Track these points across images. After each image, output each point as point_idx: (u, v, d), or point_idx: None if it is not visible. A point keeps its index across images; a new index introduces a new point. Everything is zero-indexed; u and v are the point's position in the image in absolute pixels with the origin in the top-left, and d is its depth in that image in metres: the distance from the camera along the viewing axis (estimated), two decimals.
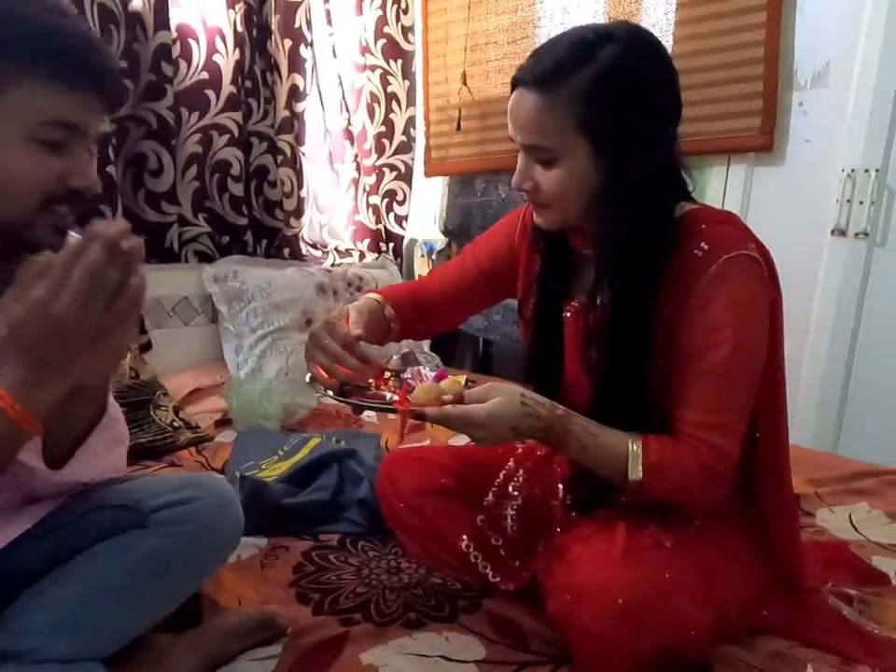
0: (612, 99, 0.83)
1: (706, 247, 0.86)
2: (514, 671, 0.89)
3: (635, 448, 0.87)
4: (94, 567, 0.82)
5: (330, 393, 0.93)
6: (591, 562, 0.85)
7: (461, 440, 1.70)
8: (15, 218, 0.72)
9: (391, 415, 1.18)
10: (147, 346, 1.93)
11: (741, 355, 0.86)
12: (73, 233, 0.90)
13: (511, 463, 1.16)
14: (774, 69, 1.87)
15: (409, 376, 0.96)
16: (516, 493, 1.12)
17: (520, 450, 1.20)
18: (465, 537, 1.08)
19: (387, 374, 0.97)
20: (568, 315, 1.01)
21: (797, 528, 1.00)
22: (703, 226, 0.88)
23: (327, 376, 0.93)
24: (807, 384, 1.93)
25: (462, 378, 0.95)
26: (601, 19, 2.24)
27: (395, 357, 0.99)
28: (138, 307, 0.70)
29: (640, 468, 0.86)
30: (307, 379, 0.97)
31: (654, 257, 0.87)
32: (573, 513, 1.06)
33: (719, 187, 2.05)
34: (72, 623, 0.79)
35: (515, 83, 0.88)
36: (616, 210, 0.87)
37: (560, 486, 1.12)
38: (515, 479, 1.14)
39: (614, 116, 0.84)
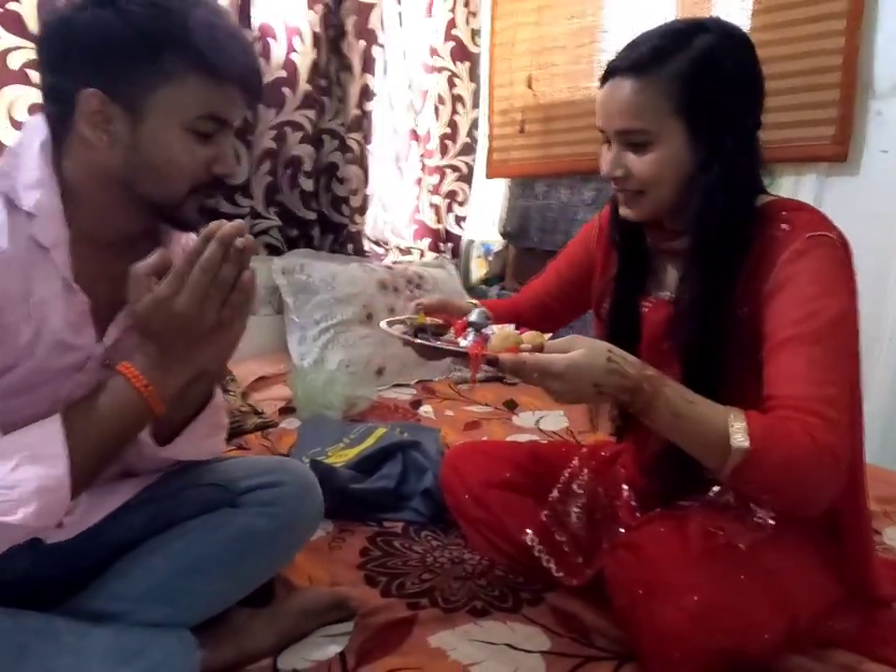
0: (708, 82, 0.85)
1: (787, 228, 0.86)
2: (579, 664, 0.91)
3: (736, 417, 0.78)
4: (188, 540, 0.87)
5: (406, 335, 0.91)
6: (665, 559, 0.86)
7: (522, 436, 1.73)
8: (168, 199, 0.79)
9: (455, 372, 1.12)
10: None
11: (841, 323, 0.82)
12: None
13: (575, 461, 1.18)
14: (851, 77, 1.83)
15: (490, 331, 0.89)
16: (581, 491, 1.14)
17: (584, 449, 1.22)
18: (529, 530, 1.10)
19: (469, 329, 0.91)
20: (647, 309, 1.02)
21: (872, 542, 0.99)
22: (784, 212, 0.88)
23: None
24: (875, 397, 1.89)
25: (547, 336, 0.86)
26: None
27: (476, 310, 0.94)
28: (251, 299, 0.75)
29: (746, 437, 0.76)
30: (383, 324, 0.96)
31: (737, 245, 0.87)
32: (638, 514, 1.08)
33: (787, 195, 2.02)
34: (164, 591, 0.84)
35: (608, 75, 0.90)
36: (708, 195, 0.87)
37: (625, 487, 1.13)
38: (580, 477, 1.15)
39: (710, 98, 0.85)
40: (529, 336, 0.84)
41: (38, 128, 0.78)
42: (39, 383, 0.78)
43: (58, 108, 0.77)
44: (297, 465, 1.01)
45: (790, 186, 2.01)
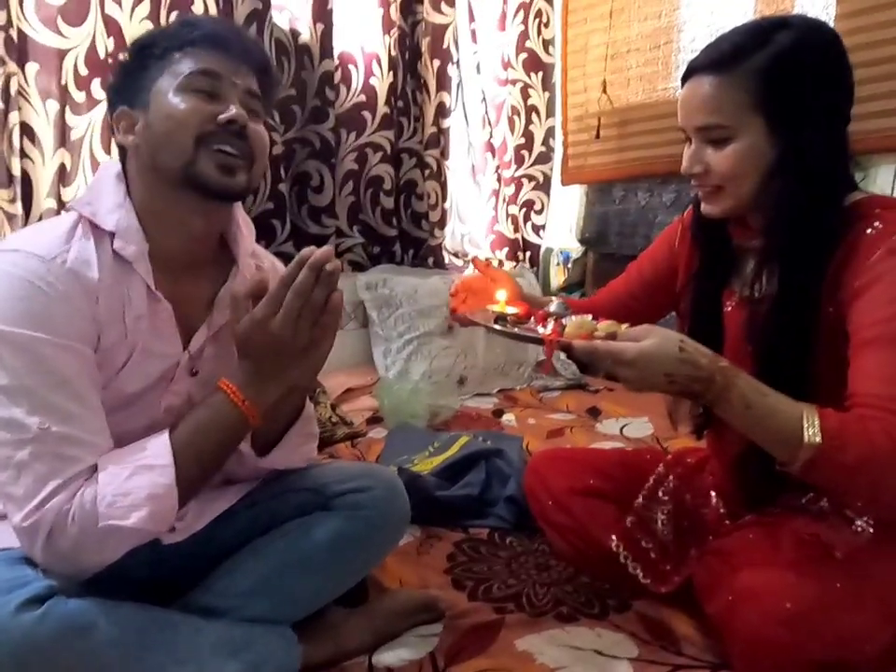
0: (789, 78, 0.85)
1: (879, 226, 0.84)
2: None
3: (811, 412, 0.77)
4: (286, 541, 0.93)
5: (483, 322, 0.93)
6: (757, 566, 0.84)
7: (606, 444, 1.72)
8: (178, 158, 0.83)
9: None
10: None
11: None
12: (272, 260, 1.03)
13: (660, 468, 1.17)
14: None
15: (567, 320, 0.90)
16: (666, 497, 1.13)
17: (670, 456, 1.21)
18: (614, 537, 1.10)
19: (549, 319, 0.92)
20: (729, 309, 1.01)
21: None
22: (877, 210, 0.86)
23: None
24: None
25: (624, 326, 0.86)
26: (750, 18, 2.16)
27: (555, 301, 0.96)
28: (339, 319, 0.81)
29: (819, 431, 0.75)
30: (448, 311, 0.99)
31: (822, 243, 0.85)
32: (727, 521, 1.06)
33: (885, 186, 1.92)
34: (267, 588, 0.90)
35: (689, 74, 0.91)
36: (788, 191, 0.87)
37: (712, 494, 1.11)
38: (665, 484, 1.14)
39: (790, 94, 0.85)
40: (605, 325, 0.85)
41: (111, 166, 0.89)
42: (136, 395, 0.85)
43: (118, 146, 0.89)
44: (384, 470, 1.06)
45: (886, 176, 1.91)
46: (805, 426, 0.76)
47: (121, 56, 0.90)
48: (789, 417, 0.77)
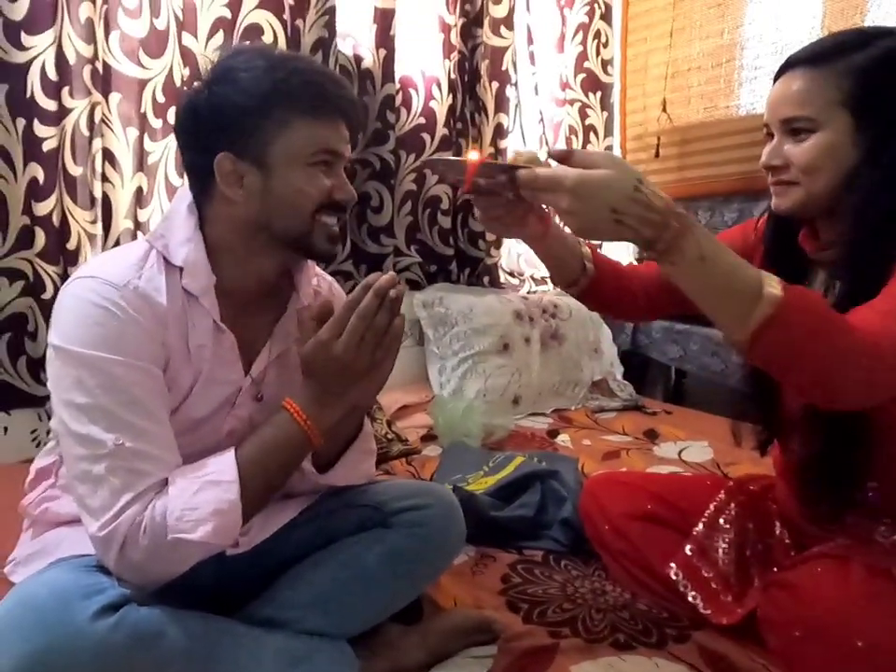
0: (884, 80, 0.84)
1: None
2: None
3: (769, 275, 0.71)
4: (347, 556, 0.95)
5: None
6: (826, 600, 0.82)
7: (664, 468, 1.69)
8: (299, 227, 0.87)
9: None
10: None
11: None
12: (328, 281, 1.06)
13: (721, 495, 1.14)
14: None
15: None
16: (728, 525, 1.10)
17: (731, 483, 1.18)
18: (673, 565, 1.08)
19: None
20: None
21: None
22: None
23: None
24: None
25: None
26: (818, 34, 2.12)
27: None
28: (399, 342, 0.84)
29: (780, 287, 0.69)
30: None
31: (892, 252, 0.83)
32: (792, 553, 1.03)
33: None
34: (325, 602, 0.92)
35: (784, 69, 0.91)
36: (870, 192, 0.85)
37: (777, 524, 1.08)
38: (727, 511, 1.11)
39: (884, 97, 0.84)
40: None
41: (185, 196, 0.91)
42: (202, 420, 0.89)
43: (198, 179, 0.89)
44: (442, 489, 1.07)
45: None
46: (766, 281, 0.70)
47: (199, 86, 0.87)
48: (747, 273, 0.71)
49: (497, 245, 2.47)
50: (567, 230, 0.75)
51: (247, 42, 1.78)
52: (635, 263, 2.71)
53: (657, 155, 2.55)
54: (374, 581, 0.94)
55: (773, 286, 0.69)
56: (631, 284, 1.10)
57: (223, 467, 0.81)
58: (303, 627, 0.91)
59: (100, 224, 1.66)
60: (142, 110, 1.68)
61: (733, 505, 1.12)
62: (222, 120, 0.85)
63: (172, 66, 1.72)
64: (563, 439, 1.96)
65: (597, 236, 0.71)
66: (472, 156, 0.74)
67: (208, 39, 1.77)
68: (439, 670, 0.95)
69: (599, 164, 0.68)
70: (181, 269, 0.86)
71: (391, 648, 0.97)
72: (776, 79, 0.93)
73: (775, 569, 1.01)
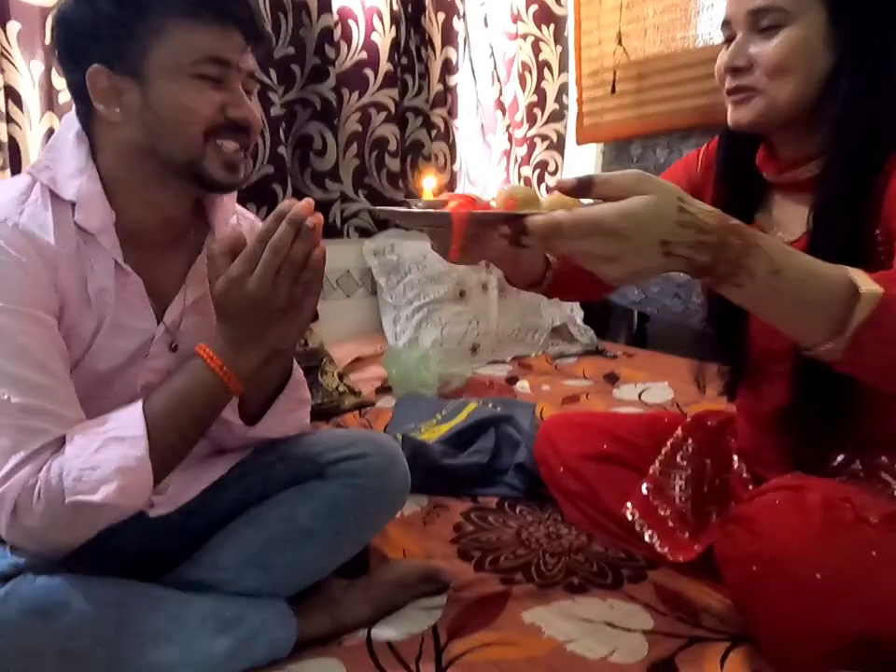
0: None
1: None
2: (685, 645, 0.85)
3: (854, 270, 0.61)
4: (281, 511, 0.89)
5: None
6: (784, 532, 0.77)
7: (624, 409, 1.66)
8: (187, 151, 0.78)
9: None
10: (314, 317, 2.05)
11: None
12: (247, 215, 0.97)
13: (678, 432, 1.10)
14: None
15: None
16: (685, 462, 1.06)
17: (688, 419, 1.14)
18: (629, 504, 1.04)
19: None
20: None
21: None
22: None
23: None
24: None
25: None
26: None
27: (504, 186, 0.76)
28: (321, 277, 0.76)
29: (873, 282, 0.59)
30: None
31: (881, 164, 0.76)
32: (750, 486, 0.99)
33: None
34: (260, 560, 0.86)
35: None
36: (850, 99, 0.77)
37: (735, 458, 1.05)
38: (684, 448, 1.08)
39: None
40: (555, 198, 0.62)
41: (72, 122, 0.81)
42: (111, 373, 0.81)
43: (80, 101, 0.79)
44: (381, 436, 1.01)
45: None
46: (856, 277, 0.59)
47: None
48: (831, 274, 0.60)
49: (451, 188, 2.37)
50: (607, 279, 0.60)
51: None
52: None
53: (613, 91, 2.46)
54: (311, 535, 0.88)
55: (867, 282, 0.59)
56: None
57: (128, 420, 0.73)
58: (237, 588, 0.85)
59: (8, 171, 1.52)
60: (47, 42, 1.52)
61: (690, 441, 1.09)
62: (92, 31, 0.74)
63: None
64: (522, 385, 1.92)
65: (646, 277, 0.59)
66: (448, 198, 0.61)
67: None
68: (384, 624, 0.91)
69: (630, 190, 0.55)
70: (73, 204, 0.76)
71: (333, 604, 0.92)
72: None
73: (732, 504, 0.98)
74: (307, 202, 0.73)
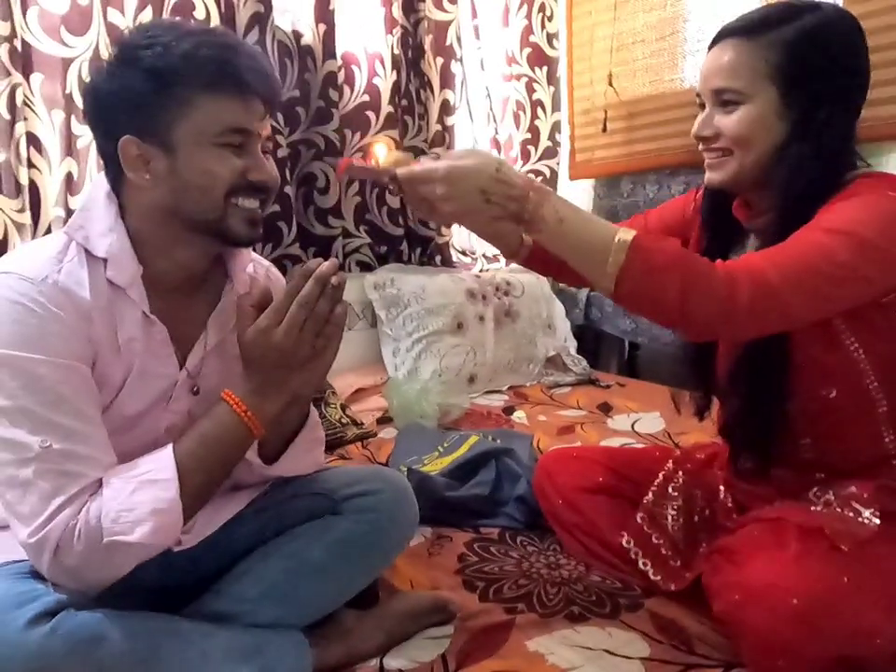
0: (810, 55, 0.87)
1: (857, 183, 0.86)
2: (681, 671, 0.90)
3: (622, 229, 0.79)
4: (297, 546, 0.94)
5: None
6: (761, 562, 0.84)
7: (617, 440, 1.71)
8: (210, 211, 0.83)
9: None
10: None
11: (860, 250, 0.79)
12: (260, 265, 1.02)
13: (669, 464, 1.17)
14: None
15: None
16: (676, 493, 1.12)
17: (678, 452, 1.20)
18: (625, 533, 1.10)
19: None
20: None
21: None
22: (862, 178, 0.88)
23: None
24: None
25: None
26: (758, 4, 2.14)
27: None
28: (342, 331, 0.82)
29: (630, 232, 0.78)
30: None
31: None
32: (734, 516, 1.05)
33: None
34: (277, 593, 0.91)
35: (716, 40, 0.93)
36: (797, 164, 0.87)
37: (721, 489, 1.11)
38: (675, 480, 1.14)
39: (809, 70, 0.87)
40: (393, 154, 0.86)
41: (102, 183, 0.87)
42: (137, 417, 0.86)
43: (109, 165, 0.85)
44: (393, 473, 1.06)
45: None
46: (619, 231, 0.79)
47: (108, 61, 0.82)
48: (601, 227, 0.80)
49: (448, 224, 2.44)
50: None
51: (177, 18, 1.70)
52: None
53: (605, 129, 2.55)
54: (326, 569, 0.93)
55: (625, 232, 0.78)
56: None
57: (160, 464, 0.78)
58: (255, 620, 0.89)
59: (28, 213, 1.58)
60: (67, 91, 1.59)
61: (680, 473, 1.15)
62: (123, 103, 0.80)
63: (98, 44, 1.64)
64: (519, 415, 1.97)
65: (471, 217, 0.84)
66: (379, 150, 0.87)
67: (136, 15, 1.69)
68: (395, 654, 0.95)
69: (464, 156, 0.80)
70: (105, 260, 0.82)
71: (347, 634, 0.96)
72: (710, 49, 0.94)
73: (719, 534, 1.04)
74: (332, 262, 0.79)
